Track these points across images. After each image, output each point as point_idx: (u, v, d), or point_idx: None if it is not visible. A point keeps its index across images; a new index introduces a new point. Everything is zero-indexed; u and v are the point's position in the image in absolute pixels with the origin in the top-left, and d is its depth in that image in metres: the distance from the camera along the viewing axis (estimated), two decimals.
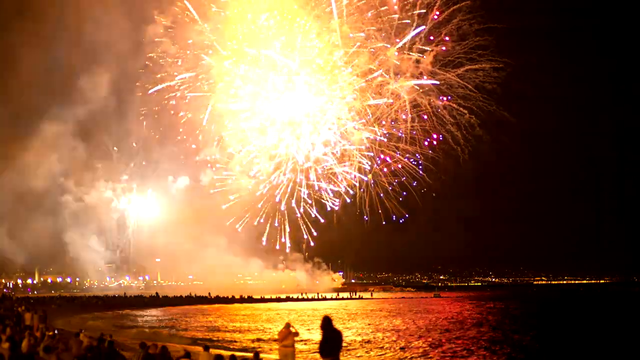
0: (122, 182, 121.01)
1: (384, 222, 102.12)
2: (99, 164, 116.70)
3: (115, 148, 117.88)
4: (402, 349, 31.48)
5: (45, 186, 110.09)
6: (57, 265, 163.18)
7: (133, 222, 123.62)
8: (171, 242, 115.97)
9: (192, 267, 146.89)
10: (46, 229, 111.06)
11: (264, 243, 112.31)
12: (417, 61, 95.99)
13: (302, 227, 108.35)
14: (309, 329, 40.10)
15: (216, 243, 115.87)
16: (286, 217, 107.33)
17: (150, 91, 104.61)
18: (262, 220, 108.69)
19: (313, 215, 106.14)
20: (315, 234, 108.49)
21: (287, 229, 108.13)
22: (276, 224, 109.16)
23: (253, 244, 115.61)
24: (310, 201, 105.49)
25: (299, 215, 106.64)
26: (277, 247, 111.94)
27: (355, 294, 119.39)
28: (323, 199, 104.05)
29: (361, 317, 58.17)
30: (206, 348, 17.76)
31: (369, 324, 48.63)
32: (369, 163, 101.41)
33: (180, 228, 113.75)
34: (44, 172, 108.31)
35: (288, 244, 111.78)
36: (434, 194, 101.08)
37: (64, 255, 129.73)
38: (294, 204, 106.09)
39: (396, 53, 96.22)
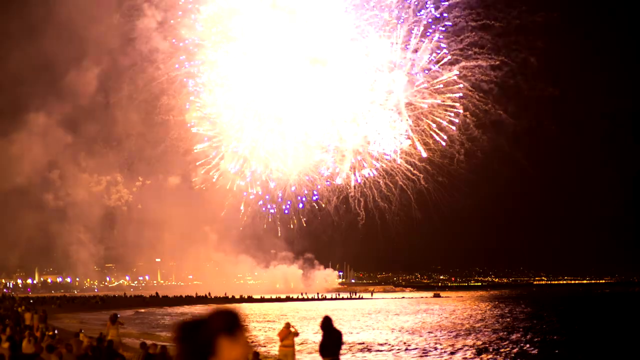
0: (112, 178, 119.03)
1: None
2: (89, 159, 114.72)
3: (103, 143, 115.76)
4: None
5: (33, 181, 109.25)
6: (49, 262, 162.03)
7: (122, 219, 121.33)
8: (160, 239, 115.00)
9: (182, 265, 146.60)
10: (35, 226, 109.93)
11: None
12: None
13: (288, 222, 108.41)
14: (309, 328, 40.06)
15: (206, 240, 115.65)
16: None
17: (141, 87, 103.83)
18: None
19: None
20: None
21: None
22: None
23: (244, 241, 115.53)
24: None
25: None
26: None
27: (356, 294, 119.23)
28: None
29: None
30: None
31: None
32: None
33: (171, 225, 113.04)
34: (33, 167, 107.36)
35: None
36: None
37: (56, 253, 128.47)
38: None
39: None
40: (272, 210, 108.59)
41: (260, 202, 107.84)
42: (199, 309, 77.73)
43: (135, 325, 46.99)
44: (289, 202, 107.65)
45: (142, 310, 71.90)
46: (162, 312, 70.98)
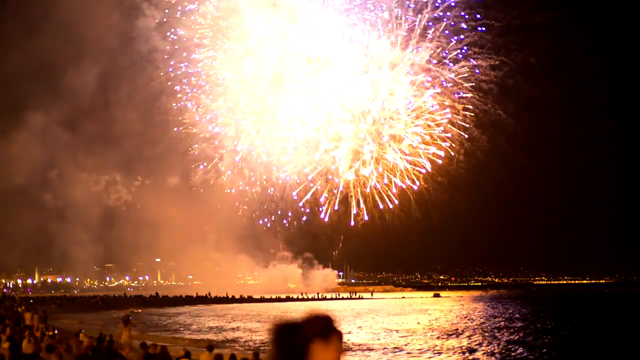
0: (111, 178, 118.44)
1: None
2: (88, 159, 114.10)
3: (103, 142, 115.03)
4: None
5: (32, 181, 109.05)
6: (49, 262, 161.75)
7: (122, 218, 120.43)
8: (160, 239, 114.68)
9: (182, 265, 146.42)
10: (35, 225, 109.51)
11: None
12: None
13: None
14: None
15: (205, 240, 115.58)
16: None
17: (141, 86, 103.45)
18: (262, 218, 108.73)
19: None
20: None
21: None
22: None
23: (243, 241, 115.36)
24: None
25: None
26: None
27: (356, 294, 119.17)
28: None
29: None
30: (210, 348, 17.72)
31: None
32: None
33: (170, 225, 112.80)
34: (31, 166, 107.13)
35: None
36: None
37: (56, 253, 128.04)
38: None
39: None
40: (268, 224, 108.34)
41: (254, 215, 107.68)
42: (199, 309, 77.77)
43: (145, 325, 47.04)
44: (289, 214, 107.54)
45: (138, 311, 71.33)
46: (156, 313, 70.09)
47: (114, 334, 22.61)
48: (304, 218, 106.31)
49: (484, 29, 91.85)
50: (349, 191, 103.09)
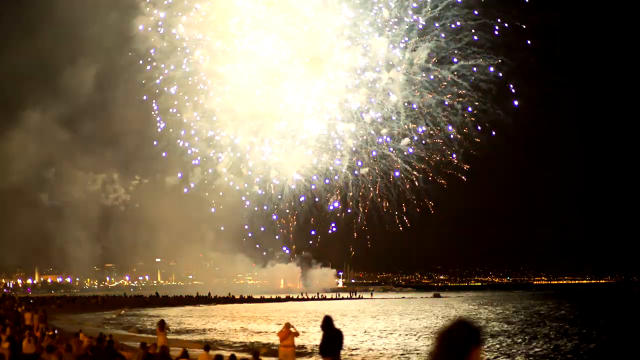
0: (108, 177, 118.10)
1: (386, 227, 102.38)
2: (86, 158, 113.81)
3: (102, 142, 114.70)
4: None
5: (30, 180, 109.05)
6: (49, 262, 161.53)
7: (120, 218, 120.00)
8: (158, 239, 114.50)
9: (182, 265, 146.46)
10: (34, 225, 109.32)
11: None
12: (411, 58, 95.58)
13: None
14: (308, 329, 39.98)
15: (203, 240, 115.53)
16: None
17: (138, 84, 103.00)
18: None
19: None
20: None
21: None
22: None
23: (241, 240, 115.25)
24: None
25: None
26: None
27: (356, 294, 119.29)
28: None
29: None
30: (206, 348, 17.77)
31: None
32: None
33: (169, 224, 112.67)
34: (29, 165, 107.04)
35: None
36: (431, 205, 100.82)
37: (56, 253, 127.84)
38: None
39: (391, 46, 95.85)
40: (266, 223, 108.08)
41: (255, 208, 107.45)
42: (198, 310, 77.77)
43: (123, 326, 46.88)
44: (291, 239, 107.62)
45: (121, 312, 70.52)
46: (143, 314, 68.30)
47: (114, 335, 22.64)
48: (312, 232, 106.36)
49: (484, 28, 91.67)
50: (349, 190, 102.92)
